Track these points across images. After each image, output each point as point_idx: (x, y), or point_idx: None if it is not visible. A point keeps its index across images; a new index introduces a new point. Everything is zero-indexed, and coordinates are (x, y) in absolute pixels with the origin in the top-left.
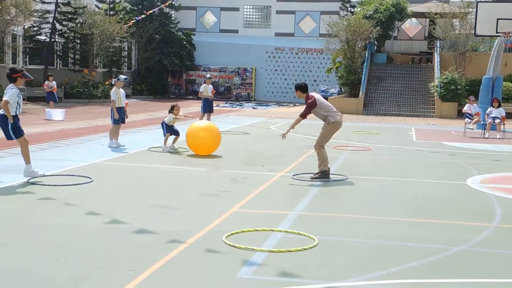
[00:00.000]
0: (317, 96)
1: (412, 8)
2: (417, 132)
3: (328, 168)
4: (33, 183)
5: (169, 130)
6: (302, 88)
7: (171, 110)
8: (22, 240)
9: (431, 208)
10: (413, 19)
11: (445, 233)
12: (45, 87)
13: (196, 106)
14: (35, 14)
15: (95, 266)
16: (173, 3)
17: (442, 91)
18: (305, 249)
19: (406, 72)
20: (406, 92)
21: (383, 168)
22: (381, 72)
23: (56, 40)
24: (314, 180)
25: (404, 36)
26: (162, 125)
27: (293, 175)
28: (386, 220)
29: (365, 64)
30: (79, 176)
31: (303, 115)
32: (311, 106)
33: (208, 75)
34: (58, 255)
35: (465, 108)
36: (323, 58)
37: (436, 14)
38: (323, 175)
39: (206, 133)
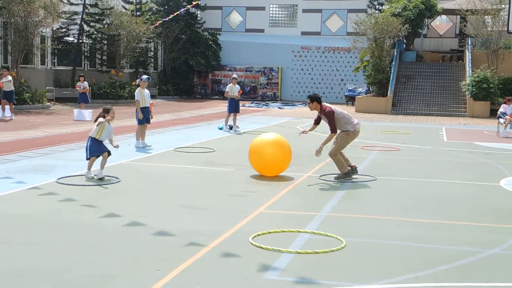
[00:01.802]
0: (333, 106)
1: (442, 5)
2: (448, 132)
3: (351, 167)
4: (61, 183)
5: (95, 148)
6: (319, 99)
7: (103, 113)
8: (52, 239)
9: (462, 210)
10: (443, 16)
11: (477, 235)
12: (77, 88)
13: (222, 106)
14: (63, 15)
15: (123, 265)
16: (200, 3)
17: (474, 89)
18: (333, 250)
19: (436, 71)
20: (436, 91)
21: (412, 169)
22: (410, 71)
23: (84, 41)
24: (340, 180)
25: (434, 33)
26: (88, 140)
27: (320, 176)
28: (416, 221)
29: (393, 63)
30: (106, 176)
31: (334, 130)
32: (331, 116)
33: (235, 75)
34: (87, 254)
35: (501, 109)
36: (350, 57)
37: (467, 11)
38: (347, 175)
39: (275, 149)
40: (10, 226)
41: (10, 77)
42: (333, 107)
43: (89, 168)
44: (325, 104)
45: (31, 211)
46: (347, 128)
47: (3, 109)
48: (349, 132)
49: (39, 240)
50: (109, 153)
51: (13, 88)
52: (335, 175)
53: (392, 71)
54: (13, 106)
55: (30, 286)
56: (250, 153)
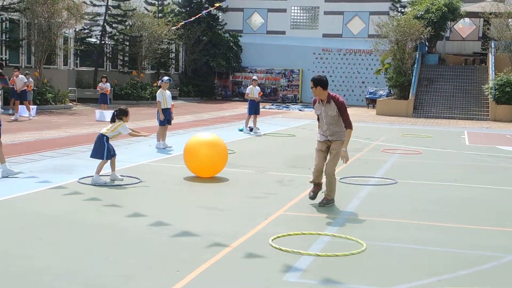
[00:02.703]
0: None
1: (465, 8)
2: (470, 135)
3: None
4: (82, 183)
5: (112, 149)
6: (324, 84)
7: (120, 115)
8: (72, 239)
9: (484, 214)
10: (466, 19)
11: (499, 240)
12: (98, 89)
13: (242, 108)
14: (86, 17)
15: (143, 265)
16: (222, 5)
17: (497, 93)
18: (353, 253)
19: (458, 74)
20: (458, 94)
21: (433, 172)
22: (432, 74)
23: (106, 42)
24: (327, 205)
25: (456, 36)
26: (102, 140)
27: (340, 178)
28: (437, 225)
29: (415, 66)
30: (127, 176)
31: (351, 124)
32: (345, 107)
33: (255, 77)
34: (107, 254)
35: None
36: (372, 59)
37: (490, 14)
38: (332, 201)
39: (210, 150)
40: (33, 225)
41: (24, 77)
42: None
43: (99, 172)
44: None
45: (53, 210)
46: (343, 132)
47: (17, 110)
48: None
49: (60, 239)
50: None
51: (25, 88)
52: (321, 203)
53: (414, 74)
54: (31, 105)
55: (52, 285)
56: (184, 153)
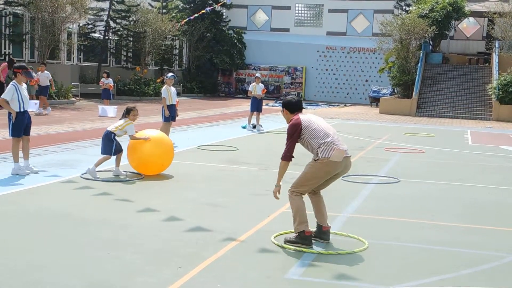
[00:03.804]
0: (307, 117)
1: (470, 7)
2: (473, 135)
3: (310, 229)
4: (87, 179)
5: (116, 145)
6: (290, 106)
7: (126, 114)
8: (76, 234)
9: (487, 214)
10: (471, 19)
11: (502, 240)
12: (100, 84)
13: (245, 105)
14: (90, 12)
15: (145, 261)
16: (226, 2)
17: (500, 93)
18: (355, 251)
19: (462, 73)
20: (462, 94)
21: (436, 172)
22: (436, 73)
23: (110, 37)
24: (290, 244)
25: (461, 36)
26: (110, 137)
27: (343, 177)
28: (440, 224)
29: (419, 64)
30: (130, 172)
31: (287, 156)
32: (290, 130)
33: (258, 74)
34: (110, 249)
35: None
36: (376, 57)
37: (495, 13)
38: (300, 238)
39: (155, 147)
40: (39, 220)
41: (48, 73)
42: (306, 118)
43: (97, 165)
44: (299, 116)
45: (56, 205)
46: (317, 153)
47: (46, 104)
48: (317, 158)
49: (62, 235)
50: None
51: (48, 84)
52: (287, 236)
53: (417, 73)
54: (34, 100)
55: (55, 281)
56: (128, 150)
